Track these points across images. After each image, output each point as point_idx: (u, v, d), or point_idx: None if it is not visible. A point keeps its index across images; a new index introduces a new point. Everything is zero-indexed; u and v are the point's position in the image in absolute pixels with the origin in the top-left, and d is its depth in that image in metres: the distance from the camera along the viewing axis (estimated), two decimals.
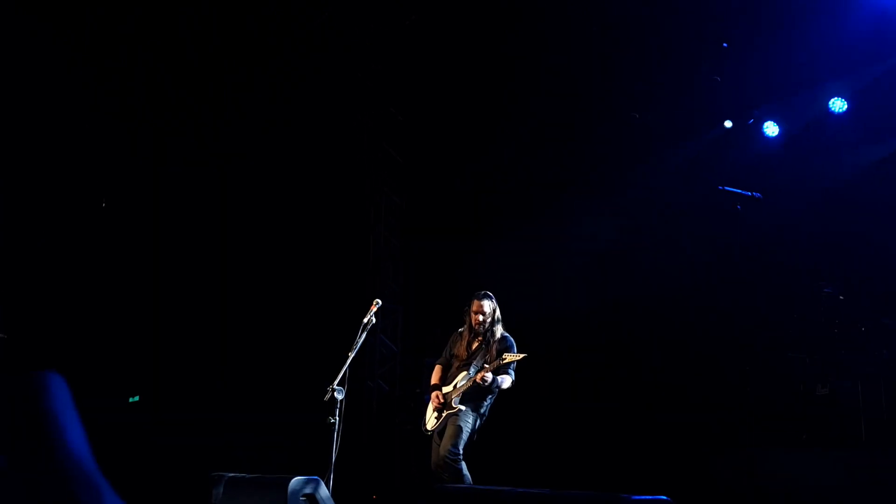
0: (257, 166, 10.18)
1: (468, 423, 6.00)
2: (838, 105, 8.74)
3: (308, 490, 5.65)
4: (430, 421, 6.19)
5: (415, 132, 10.60)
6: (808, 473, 7.00)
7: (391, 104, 10.67)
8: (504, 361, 5.95)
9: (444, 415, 6.08)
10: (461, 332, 6.41)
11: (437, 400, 6.13)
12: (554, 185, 10.35)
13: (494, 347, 6.17)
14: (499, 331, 6.26)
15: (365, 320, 6.42)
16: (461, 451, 5.94)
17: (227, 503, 5.68)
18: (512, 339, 6.26)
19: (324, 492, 5.76)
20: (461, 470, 5.87)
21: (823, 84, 8.76)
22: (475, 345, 6.27)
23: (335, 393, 6.08)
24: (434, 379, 6.39)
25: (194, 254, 9.95)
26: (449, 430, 5.99)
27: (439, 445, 6.04)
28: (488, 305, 6.25)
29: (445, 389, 6.17)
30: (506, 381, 6.07)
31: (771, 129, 9.24)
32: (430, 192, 10.56)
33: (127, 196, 9.86)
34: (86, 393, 3.00)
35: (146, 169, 9.87)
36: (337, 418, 6.08)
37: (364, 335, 6.40)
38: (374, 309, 6.47)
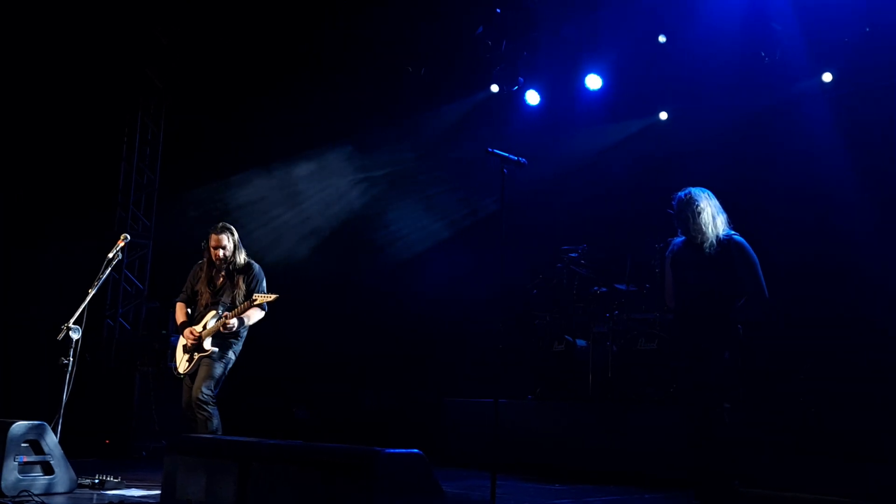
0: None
1: (222, 364, 5.75)
2: (594, 82, 9.30)
3: (32, 436, 5.19)
4: (182, 364, 5.84)
5: (179, 58, 9.89)
6: (537, 424, 7.49)
7: (157, 25, 9.84)
8: (255, 303, 5.69)
9: (196, 356, 5.77)
10: (201, 265, 6.04)
11: (190, 337, 5.78)
12: (322, 133, 10.20)
13: (241, 280, 5.87)
14: (241, 258, 5.94)
15: (110, 255, 5.98)
16: (215, 393, 5.69)
17: None
18: (258, 266, 5.98)
19: (50, 438, 5.31)
20: (213, 414, 5.63)
21: (582, 61, 9.27)
22: (220, 280, 5.93)
23: (70, 332, 5.63)
24: (180, 317, 6.00)
25: None
26: (202, 372, 5.70)
27: (191, 388, 5.74)
28: (227, 239, 5.88)
29: (197, 329, 5.83)
30: (255, 316, 5.82)
31: (532, 97, 9.68)
32: (192, 122, 9.95)
33: None
34: None
35: None
36: (71, 359, 5.63)
37: (108, 271, 5.96)
38: (122, 244, 6.04)
